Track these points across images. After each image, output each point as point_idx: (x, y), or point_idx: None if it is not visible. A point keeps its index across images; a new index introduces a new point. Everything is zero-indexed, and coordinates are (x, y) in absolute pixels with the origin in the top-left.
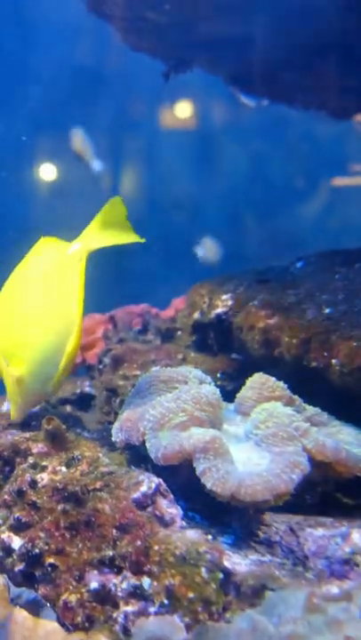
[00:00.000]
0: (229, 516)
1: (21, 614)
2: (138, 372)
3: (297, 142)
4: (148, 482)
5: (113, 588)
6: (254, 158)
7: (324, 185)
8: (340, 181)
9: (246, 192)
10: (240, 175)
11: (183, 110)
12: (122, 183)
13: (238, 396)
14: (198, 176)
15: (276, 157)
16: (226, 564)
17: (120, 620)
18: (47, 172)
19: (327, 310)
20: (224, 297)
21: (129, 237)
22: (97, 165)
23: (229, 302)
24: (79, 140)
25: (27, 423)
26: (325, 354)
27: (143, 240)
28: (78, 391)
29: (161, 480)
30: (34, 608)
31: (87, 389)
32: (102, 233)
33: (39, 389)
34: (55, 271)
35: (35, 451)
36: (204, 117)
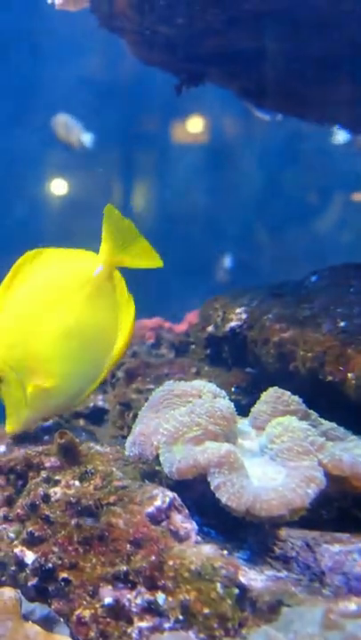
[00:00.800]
0: (245, 532)
1: (33, 629)
2: (151, 386)
3: (311, 156)
4: (162, 496)
5: (127, 604)
6: (268, 172)
7: (338, 199)
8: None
9: (260, 206)
10: (254, 189)
11: (196, 124)
12: (135, 197)
13: (253, 410)
14: (212, 190)
15: (290, 171)
16: (242, 579)
17: (134, 635)
18: (59, 185)
19: (342, 324)
20: (238, 310)
21: (151, 262)
22: (86, 139)
23: (244, 316)
24: (62, 124)
25: (39, 437)
26: (341, 367)
27: (161, 265)
28: (91, 405)
29: (175, 494)
30: (47, 624)
31: (100, 403)
32: (122, 251)
33: (66, 403)
34: (84, 288)
35: (48, 465)
36: (217, 131)
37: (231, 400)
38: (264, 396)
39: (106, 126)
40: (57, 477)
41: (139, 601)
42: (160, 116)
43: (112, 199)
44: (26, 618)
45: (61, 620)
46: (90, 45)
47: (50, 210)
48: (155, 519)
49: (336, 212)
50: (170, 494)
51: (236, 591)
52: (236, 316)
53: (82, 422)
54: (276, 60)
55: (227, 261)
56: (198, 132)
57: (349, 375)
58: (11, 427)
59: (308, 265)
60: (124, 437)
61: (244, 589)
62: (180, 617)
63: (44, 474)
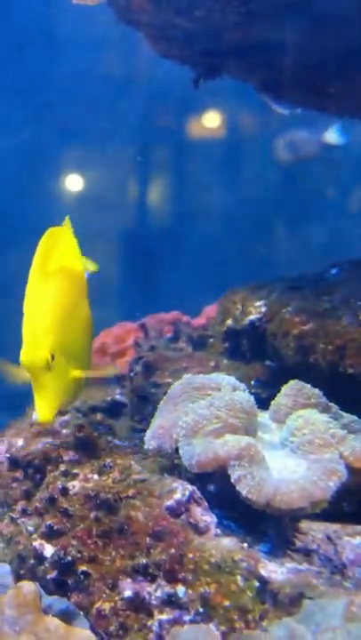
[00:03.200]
0: (265, 525)
1: (53, 622)
2: (170, 380)
3: (329, 150)
4: (181, 489)
5: (147, 597)
6: (285, 167)
7: (356, 193)
8: None
9: (277, 201)
10: (271, 183)
11: (213, 119)
12: (150, 193)
13: (273, 403)
14: (229, 185)
15: (307, 165)
16: (262, 572)
17: (155, 628)
18: (74, 181)
19: None
20: (257, 303)
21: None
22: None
23: (263, 309)
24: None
25: (57, 431)
26: None
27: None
28: (109, 399)
29: (195, 487)
30: (66, 617)
31: (118, 397)
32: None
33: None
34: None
35: (66, 458)
36: (234, 125)
37: (251, 393)
38: (284, 388)
39: (121, 121)
40: (75, 471)
41: (159, 594)
42: (177, 110)
43: (128, 194)
44: (45, 611)
45: (81, 613)
46: (107, 40)
47: (66, 205)
48: (174, 512)
49: (354, 207)
50: (189, 487)
51: (257, 584)
52: (256, 310)
53: (99, 416)
54: (296, 53)
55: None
56: (215, 126)
57: None
58: (46, 414)
59: (324, 259)
60: (143, 431)
61: (264, 582)
62: (201, 609)
63: (62, 467)
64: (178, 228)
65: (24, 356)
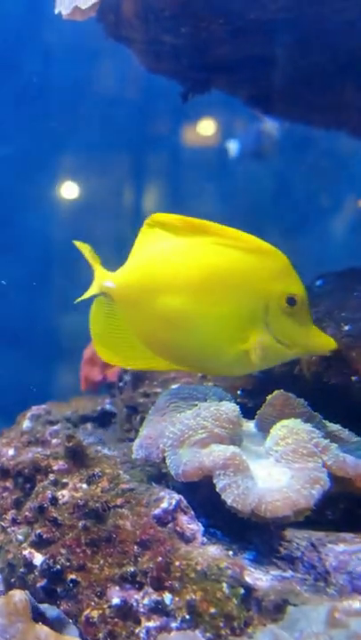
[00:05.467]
0: (251, 533)
1: (44, 630)
2: (158, 390)
3: (320, 160)
4: (168, 498)
5: (135, 604)
6: (277, 176)
7: (348, 203)
8: None
9: (269, 210)
10: (263, 193)
11: (205, 128)
12: (144, 201)
13: (259, 412)
14: (221, 194)
15: (299, 175)
16: (247, 579)
17: (142, 635)
18: (70, 189)
19: (346, 327)
20: None
21: None
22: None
23: None
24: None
25: (47, 440)
26: (345, 370)
27: None
28: (99, 408)
29: (182, 497)
30: (57, 625)
31: (108, 407)
32: None
33: None
34: None
35: (55, 468)
36: (226, 135)
37: (237, 403)
38: (269, 398)
39: (116, 130)
40: (65, 480)
41: (146, 601)
42: (170, 118)
43: (121, 202)
44: (36, 619)
45: (70, 621)
46: (100, 50)
47: (60, 214)
48: (161, 521)
49: (347, 216)
50: (176, 496)
51: (242, 591)
52: None
53: (89, 426)
54: (282, 68)
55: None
56: (209, 134)
57: (353, 378)
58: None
59: (318, 269)
60: (132, 440)
61: (249, 589)
62: (187, 616)
63: (51, 477)
64: None
65: None
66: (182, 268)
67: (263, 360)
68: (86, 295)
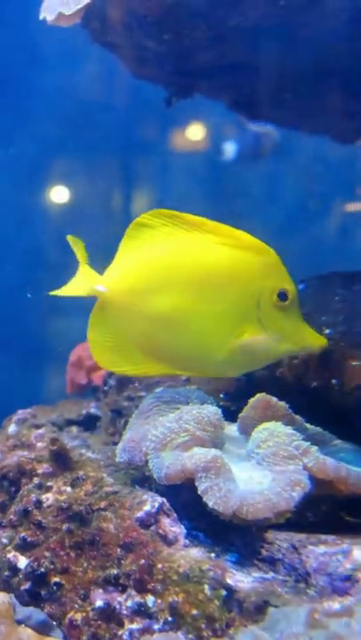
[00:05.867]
0: (232, 535)
1: (26, 633)
2: (142, 394)
3: (309, 164)
4: (151, 501)
5: (118, 607)
6: (265, 180)
7: (336, 207)
8: (354, 207)
9: (257, 215)
10: (251, 197)
11: (194, 133)
12: (133, 206)
13: (241, 415)
14: (210, 198)
15: (288, 179)
16: (229, 581)
17: (125, 637)
18: (59, 194)
19: (327, 331)
20: None
21: None
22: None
23: None
24: None
25: (32, 444)
26: (325, 374)
27: None
28: (84, 412)
29: (164, 499)
30: (43, 629)
31: (93, 410)
32: None
33: None
34: None
35: (40, 471)
36: (214, 139)
37: (220, 406)
38: (251, 401)
39: (104, 134)
40: (49, 483)
41: (129, 603)
42: (158, 124)
43: (110, 207)
44: (21, 623)
45: (54, 624)
46: (88, 54)
47: (48, 219)
48: (144, 523)
49: (335, 220)
50: (159, 499)
51: (224, 592)
52: None
53: (74, 429)
54: (264, 74)
55: None
56: (196, 139)
57: (333, 381)
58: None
59: (307, 273)
60: (116, 444)
61: (231, 591)
62: (170, 618)
63: (36, 480)
64: None
65: None
66: (174, 268)
67: (256, 357)
68: (67, 293)
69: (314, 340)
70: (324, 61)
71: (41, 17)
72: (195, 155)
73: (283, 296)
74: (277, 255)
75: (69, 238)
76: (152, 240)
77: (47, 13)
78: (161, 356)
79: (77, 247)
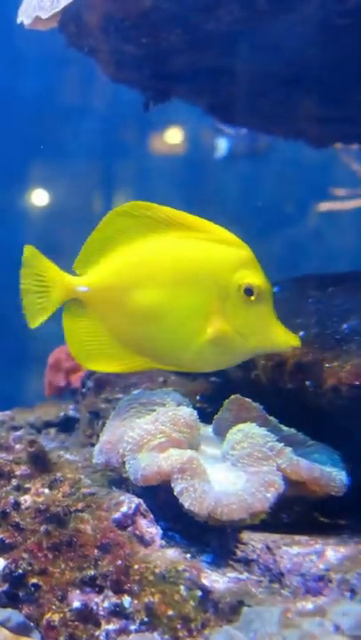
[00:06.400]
0: (208, 536)
1: (2, 633)
2: (120, 395)
3: (285, 167)
4: (128, 502)
5: (95, 607)
6: (243, 183)
7: (312, 210)
8: (325, 207)
9: (234, 217)
10: (229, 200)
11: (173, 136)
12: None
13: (216, 417)
14: (189, 200)
15: (264, 182)
16: (204, 581)
17: (102, 638)
18: (39, 197)
19: (301, 334)
20: None
21: None
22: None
23: None
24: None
25: (10, 446)
26: (300, 375)
27: None
28: (62, 414)
29: (141, 500)
30: (22, 630)
31: (71, 412)
32: None
33: None
34: None
35: (18, 473)
36: (192, 143)
37: (196, 408)
38: (226, 403)
39: (83, 138)
40: (27, 485)
41: (106, 604)
42: (137, 128)
43: (91, 210)
44: (1, 625)
45: (33, 625)
46: (66, 58)
47: (30, 222)
48: (121, 525)
49: (311, 223)
50: (136, 500)
51: (199, 593)
52: None
53: (53, 431)
54: (239, 78)
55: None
56: (177, 142)
57: (307, 383)
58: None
59: (286, 275)
60: (94, 445)
61: (206, 591)
62: (146, 619)
63: (14, 482)
64: None
65: None
66: (152, 263)
67: (225, 352)
68: (50, 311)
69: (285, 340)
70: (299, 67)
71: (18, 21)
72: (192, 155)
73: (249, 291)
74: (251, 251)
75: (26, 250)
76: (127, 232)
77: (24, 17)
78: (141, 349)
79: (37, 259)
